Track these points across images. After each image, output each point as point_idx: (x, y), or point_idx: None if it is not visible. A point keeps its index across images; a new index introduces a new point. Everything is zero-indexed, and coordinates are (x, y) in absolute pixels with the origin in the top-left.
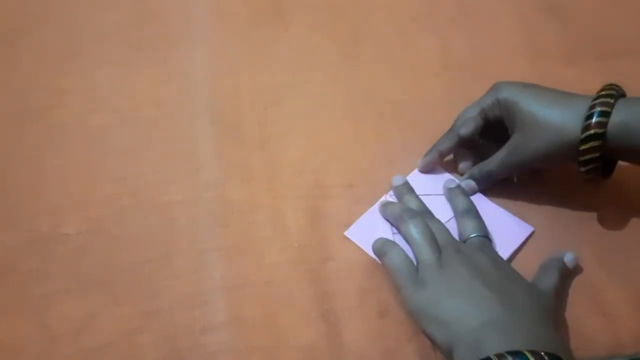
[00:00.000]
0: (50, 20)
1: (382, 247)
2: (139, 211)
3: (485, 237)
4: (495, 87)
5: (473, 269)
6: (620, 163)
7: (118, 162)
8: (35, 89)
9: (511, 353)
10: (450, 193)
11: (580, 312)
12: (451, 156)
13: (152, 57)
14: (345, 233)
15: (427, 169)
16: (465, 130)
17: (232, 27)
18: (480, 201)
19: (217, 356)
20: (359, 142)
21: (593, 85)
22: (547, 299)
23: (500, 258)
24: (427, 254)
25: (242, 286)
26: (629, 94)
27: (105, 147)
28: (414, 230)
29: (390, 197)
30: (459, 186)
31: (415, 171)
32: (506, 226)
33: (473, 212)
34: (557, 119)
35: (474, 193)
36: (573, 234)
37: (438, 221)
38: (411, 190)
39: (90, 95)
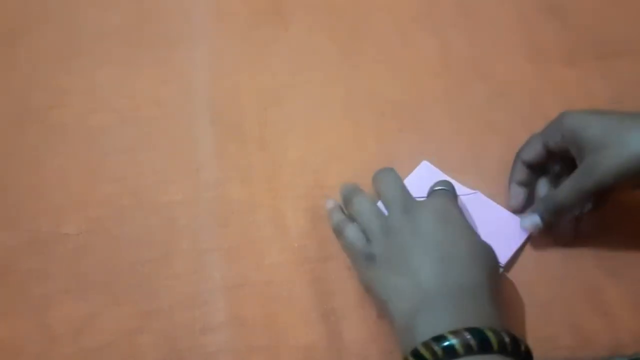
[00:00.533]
0: (50, 20)
1: (338, 225)
2: (139, 211)
3: (450, 191)
4: (560, 116)
5: (415, 235)
6: None
7: (118, 162)
8: (35, 89)
9: (436, 338)
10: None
11: (580, 312)
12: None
13: (152, 57)
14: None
15: (516, 205)
16: (527, 155)
17: (232, 27)
18: (480, 200)
19: (217, 356)
20: (359, 142)
21: (593, 85)
22: (489, 251)
23: (452, 211)
24: (373, 221)
25: (242, 286)
26: (629, 94)
27: (105, 147)
28: (361, 206)
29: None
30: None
31: (412, 176)
32: (507, 225)
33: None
34: (633, 134)
35: (537, 231)
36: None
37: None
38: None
39: (90, 95)
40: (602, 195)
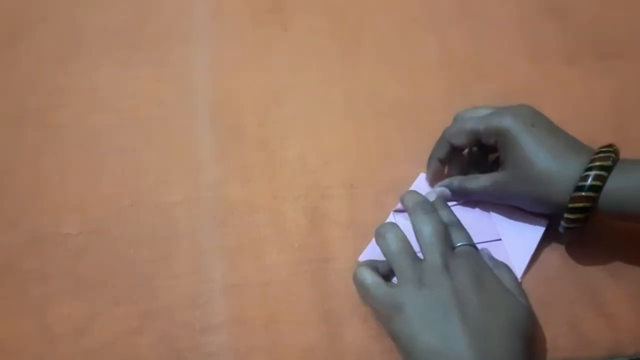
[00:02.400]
0: (50, 20)
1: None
2: (139, 211)
3: (473, 246)
4: (501, 114)
5: (452, 294)
6: None
7: (118, 162)
8: (34, 89)
9: None
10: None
11: (580, 312)
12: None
13: (152, 57)
14: (360, 258)
15: (433, 179)
16: (456, 141)
17: (233, 27)
18: (486, 205)
19: (217, 356)
20: (359, 142)
21: (593, 85)
22: (527, 319)
23: (487, 270)
24: (405, 273)
25: (242, 286)
26: (628, 95)
27: (105, 147)
28: (390, 246)
29: (397, 215)
30: (439, 199)
31: (417, 182)
32: (519, 225)
33: (457, 224)
34: (552, 173)
35: (445, 199)
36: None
37: (437, 224)
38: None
39: (90, 95)
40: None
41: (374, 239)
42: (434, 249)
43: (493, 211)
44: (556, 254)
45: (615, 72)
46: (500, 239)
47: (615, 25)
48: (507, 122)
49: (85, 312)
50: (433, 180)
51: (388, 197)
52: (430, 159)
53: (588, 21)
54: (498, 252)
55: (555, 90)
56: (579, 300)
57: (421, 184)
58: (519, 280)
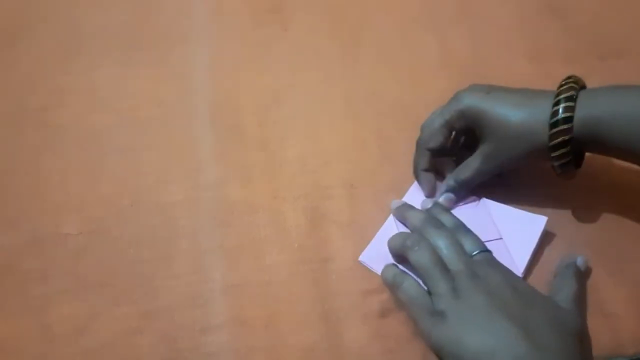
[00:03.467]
0: (50, 20)
1: (394, 279)
2: (139, 211)
3: (487, 251)
4: (457, 98)
5: (490, 296)
6: (625, 165)
7: (118, 162)
8: (35, 89)
9: None
10: (432, 212)
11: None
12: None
13: (152, 57)
14: (360, 258)
15: (431, 190)
16: (434, 144)
17: (233, 27)
18: (482, 203)
19: (217, 356)
20: (359, 142)
21: (593, 85)
22: (570, 315)
23: (512, 273)
24: (439, 285)
25: (242, 286)
26: None
27: (105, 147)
28: (422, 259)
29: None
30: (437, 203)
31: (412, 190)
32: (518, 223)
33: (463, 228)
34: (524, 121)
35: (454, 205)
36: (573, 235)
37: (450, 235)
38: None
39: (90, 95)
40: (507, 170)
41: (374, 238)
42: (457, 260)
43: (493, 210)
44: (556, 254)
45: (615, 72)
46: (501, 238)
47: (615, 25)
48: (465, 100)
49: (85, 312)
50: (428, 192)
51: (388, 197)
52: (416, 174)
53: (588, 21)
54: (499, 251)
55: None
56: None
57: (415, 192)
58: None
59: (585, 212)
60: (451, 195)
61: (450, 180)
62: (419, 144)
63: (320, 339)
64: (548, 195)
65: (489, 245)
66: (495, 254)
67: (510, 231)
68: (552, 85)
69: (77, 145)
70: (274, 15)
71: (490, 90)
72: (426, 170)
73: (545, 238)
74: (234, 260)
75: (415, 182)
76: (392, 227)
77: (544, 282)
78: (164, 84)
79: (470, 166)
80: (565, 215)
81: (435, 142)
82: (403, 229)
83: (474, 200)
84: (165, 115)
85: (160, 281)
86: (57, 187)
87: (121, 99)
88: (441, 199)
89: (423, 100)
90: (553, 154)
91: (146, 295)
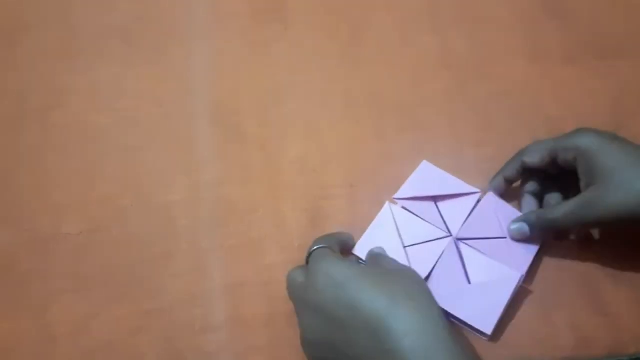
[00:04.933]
0: (50, 20)
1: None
2: (139, 211)
3: (322, 247)
4: (578, 132)
5: (321, 319)
6: None
7: (118, 162)
8: (35, 89)
9: None
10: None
11: (580, 312)
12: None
13: (152, 57)
14: (354, 252)
15: (498, 194)
16: (530, 159)
17: (233, 27)
18: (491, 201)
19: (217, 356)
20: (359, 142)
21: (593, 85)
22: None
23: (338, 274)
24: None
25: (242, 286)
26: (629, 95)
27: (105, 147)
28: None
29: (392, 206)
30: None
31: (413, 176)
32: (492, 275)
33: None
34: None
35: (523, 238)
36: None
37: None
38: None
39: (90, 95)
40: (600, 229)
41: (367, 231)
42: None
43: (498, 211)
44: (556, 254)
45: (615, 72)
46: (505, 237)
47: (615, 25)
48: (588, 138)
49: (85, 312)
50: (496, 192)
51: (388, 196)
52: (496, 175)
53: (588, 21)
54: (501, 250)
55: (555, 90)
56: (579, 300)
57: (423, 172)
58: (524, 275)
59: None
60: (526, 227)
61: (532, 214)
62: (517, 153)
63: None
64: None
65: (492, 243)
66: (497, 253)
67: (480, 286)
68: (552, 85)
69: (77, 145)
70: (274, 14)
71: (615, 140)
72: (507, 178)
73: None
74: (234, 260)
75: (417, 170)
76: (386, 217)
77: (543, 283)
78: (164, 84)
79: (564, 206)
80: None
81: (533, 158)
82: (399, 219)
83: (472, 192)
84: (165, 115)
85: (160, 281)
86: (57, 187)
87: (121, 99)
88: (513, 227)
89: (423, 100)
90: None
91: (146, 295)
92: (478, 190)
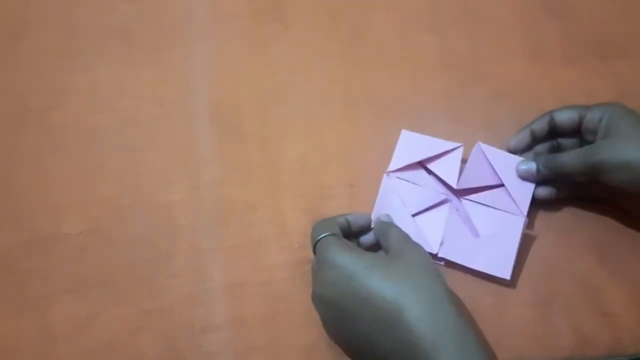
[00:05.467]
0: (50, 20)
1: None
2: (139, 211)
3: (329, 235)
4: (613, 105)
5: (330, 307)
6: None
7: (118, 162)
8: (35, 89)
9: None
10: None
11: (580, 312)
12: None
13: (152, 57)
14: (385, 175)
15: (519, 149)
16: (560, 116)
17: (233, 27)
18: (465, 204)
19: (217, 356)
20: (359, 142)
21: (593, 85)
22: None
23: (343, 259)
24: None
25: (242, 286)
26: (629, 95)
27: (105, 147)
28: None
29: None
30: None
31: (397, 148)
32: (498, 224)
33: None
34: None
35: (530, 178)
36: (573, 234)
37: None
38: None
39: (90, 95)
40: (603, 185)
41: (375, 206)
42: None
43: (491, 158)
44: (557, 254)
45: (615, 72)
46: (501, 185)
47: (615, 25)
48: (619, 105)
49: (85, 312)
50: (515, 148)
51: None
52: (523, 128)
53: (588, 21)
54: (500, 198)
55: (555, 90)
56: (579, 300)
57: (405, 142)
58: (527, 219)
59: (586, 212)
60: (534, 166)
61: (541, 156)
62: (548, 113)
63: (320, 338)
64: (570, 184)
65: (493, 192)
66: (497, 200)
67: (510, 178)
68: (552, 85)
69: (77, 145)
70: (274, 14)
71: None
72: (533, 132)
73: (544, 237)
74: (234, 260)
75: (399, 141)
76: (388, 190)
77: (543, 283)
78: (164, 84)
79: (574, 152)
80: (565, 216)
81: (562, 116)
82: (400, 190)
83: (455, 147)
84: (165, 115)
85: (160, 281)
86: (57, 187)
87: (121, 99)
88: (522, 167)
89: (423, 100)
90: None
91: (146, 295)
92: (459, 144)
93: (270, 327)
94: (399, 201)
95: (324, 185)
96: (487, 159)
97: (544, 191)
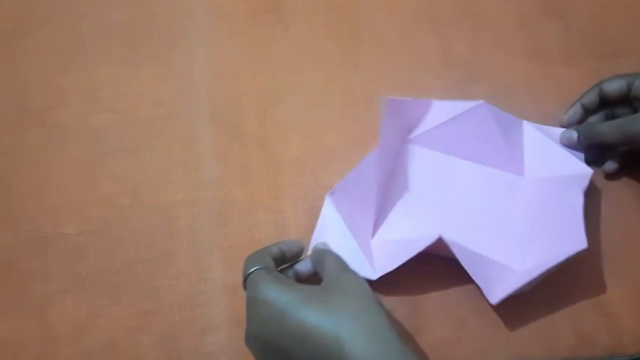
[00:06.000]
0: (50, 20)
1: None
2: (139, 211)
3: (259, 269)
4: None
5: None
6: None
7: (118, 162)
8: (35, 89)
9: None
10: None
11: (580, 312)
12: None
13: (152, 57)
14: (327, 195)
15: (570, 124)
16: (609, 86)
17: (232, 27)
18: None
19: (217, 356)
20: (359, 142)
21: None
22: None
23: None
24: None
25: (241, 286)
26: None
27: (105, 147)
28: None
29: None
30: None
31: (433, 109)
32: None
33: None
34: None
35: (571, 144)
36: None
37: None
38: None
39: (90, 95)
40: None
41: (347, 176)
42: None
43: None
44: None
45: (614, 72)
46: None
47: (615, 25)
48: None
49: (85, 312)
50: (566, 123)
51: None
52: (574, 102)
53: (588, 21)
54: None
55: (555, 90)
56: (579, 300)
57: (436, 111)
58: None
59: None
60: (574, 134)
61: (582, 125)
62: (596, 83)
63: None
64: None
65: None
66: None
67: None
68: (552, 85)
69: (78, 145)
70: (274, 15)
71: None
72: (584, 105)
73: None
74: (234, 260)
75: (432, 102)
76: (329, 213)
77: (543, 283)
78: (164, 84)
79: (611, 122)
80: None
81: (610, 85)
82: (343, 213)
83: (475, 105)
84: (165, 115)
85: (160, 281)
86: (57, 187)
87: (121, 99)
88: (563, 134)
89: None
90: None
91: (146, 295)
92: (480, 101)
93: None
94: (341, 223)
95: (324, 185)
96: (494, 119)
97: (611, 166)
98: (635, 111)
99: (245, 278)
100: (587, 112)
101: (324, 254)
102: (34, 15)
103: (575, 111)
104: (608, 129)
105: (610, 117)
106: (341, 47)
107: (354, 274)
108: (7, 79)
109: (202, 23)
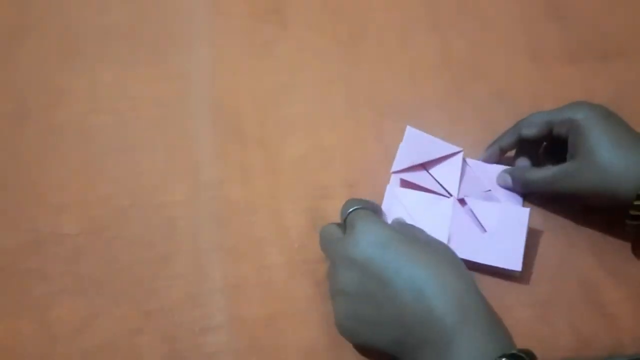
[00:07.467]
0: (50, 20)
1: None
2: (138, 211)
3: (362, 208)
4: (574, 106)
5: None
6: None
7: (118, 162)
8: (35, 89)
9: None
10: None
11: (580, 312)
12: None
13: (152, 57)
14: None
15: (490, 162)
16: (528, 131)
17: (232, 27)
18: (467, 201)
19: (217, 356)
20: (359, 142)
21: (593, 85)
22: (447, 256)
23: (383, 231)
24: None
25: (242, 286)
26: (629, 95)
27: (105, 147)
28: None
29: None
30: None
31: (402, 145)
32: (503, 218)
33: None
34: (621, 164)
35: (507, 187)
36: (573, 235)
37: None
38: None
39: (90, 95)
40: (571, 202)
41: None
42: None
43: (477, 171)
44: (556, 253)
45: (614, 72)
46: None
47: (615, 25)
48: (582, 112)
49: (85, 312)
50: (486, 161)
51: None
52: (492, 143)
53: (588, 21)
54: (500, 192)
55: (555, 90)
56: (579, 300)
57: (410, 140)
58: (529, 209)
59: (586, 213)
60: (509, 179)
61: (517, 170)
62: (515, 125)
63: (320, 339)
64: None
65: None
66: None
67: (493, 230)
68: (552, 85)
69: (77, 145)
70: (274, 15)
71: (608, 117)
72: (502, 148)
73: (545, 237)
74: (234, 260)
75: (404, 138)
76: (392, 202)
77: (543, 283)
78: (164, 84)
79: (543, 172)
80: (566, 216)
81: (529, 131)
82: (404, 201)
83: (456, 152)
84: (165, 115)
85: (160, 281)
86: (57, 187)
87: (121, 99)
88: (499, 176)
89: (423, 100)
90: (633, 212)
91: (146, 295)
92: (460, 148)
93: (270, 327)
94: (404, 212)
95: (324, 185)
96: (475, 170)
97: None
98: (557, 147)
99: (349, 213)
100: (505, 152)
101: (410, 225)
102: (34, 15)
103: (492, 153)
104: (540, 181)
105: (546, 151)
106: (341, 47)
107: (441, 242)
108: (7, 79)
109: (202, 23)
